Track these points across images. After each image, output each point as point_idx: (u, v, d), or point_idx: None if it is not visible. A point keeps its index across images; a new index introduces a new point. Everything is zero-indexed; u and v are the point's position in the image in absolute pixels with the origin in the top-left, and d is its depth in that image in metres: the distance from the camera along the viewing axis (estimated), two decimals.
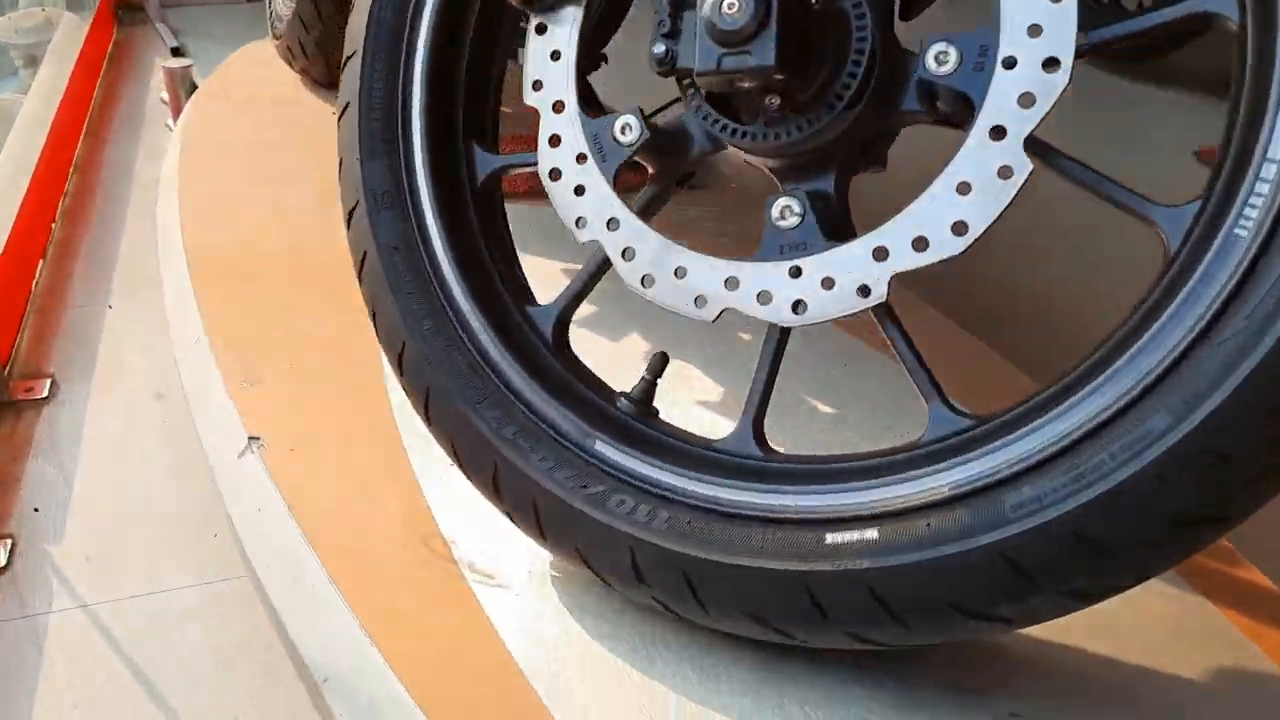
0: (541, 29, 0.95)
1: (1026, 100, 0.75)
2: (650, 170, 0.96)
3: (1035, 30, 0.75)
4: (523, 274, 1.03)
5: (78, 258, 2.28)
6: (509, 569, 0.99)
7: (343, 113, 1.05)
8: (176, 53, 3.54)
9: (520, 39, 1.01)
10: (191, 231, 1.72)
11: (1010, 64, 0.75)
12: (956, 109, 0.80)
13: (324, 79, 2.40)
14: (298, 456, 1.16)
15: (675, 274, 0.86)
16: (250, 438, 1.18)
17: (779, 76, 0.80)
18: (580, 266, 0.96)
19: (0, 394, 1.75)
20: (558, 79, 0.94)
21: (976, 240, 0.77)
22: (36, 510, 1.51)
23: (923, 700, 0.85)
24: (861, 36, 0.82)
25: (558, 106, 0.94)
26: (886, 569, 0.79)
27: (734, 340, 1.38)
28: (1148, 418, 0.70)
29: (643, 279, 0.88)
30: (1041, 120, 0.75)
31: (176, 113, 2.55)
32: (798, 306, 0.82)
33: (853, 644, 0.83)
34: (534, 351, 0.96)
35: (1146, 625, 0.93)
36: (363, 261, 0.99)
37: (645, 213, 0.92)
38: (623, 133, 0.91)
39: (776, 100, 0.83)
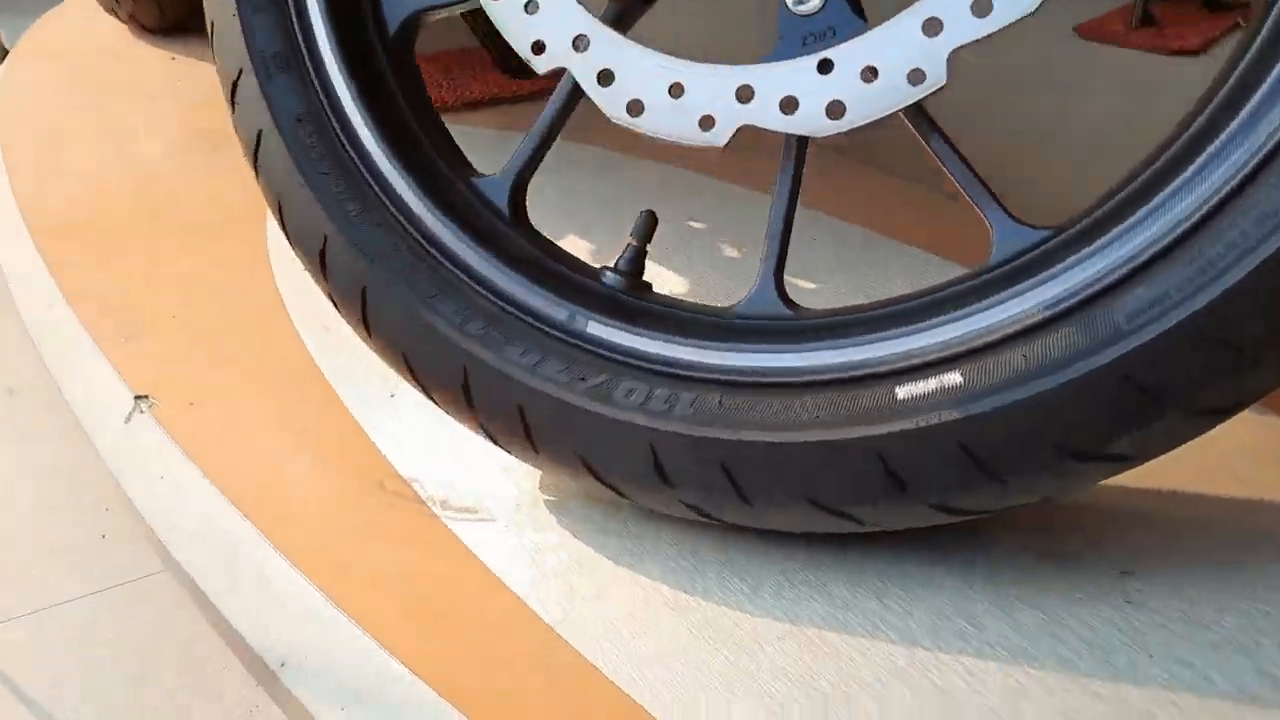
0: None
1: None
2: None
3: None
4: (454, 141, 0.84)
5: None
6: (491, 500, 0.81)
7: None
8: None
9: None
10: (23, 193, 1.47)
11: None
12: None
13: (155, 24, 2.14)
14: (199, 412, 0.95)
15: (671, 92, 0.69)
16: (137, 397, 0.97)
17: None
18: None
19: None
20: None
21: None
22: None
23: (1026, 570, 0.71)
24: None
25: None
26: (977, 417, 0.64)
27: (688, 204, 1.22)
28: None
29: (629, 106, 0.70)
30: None
31: None
32: (834, 110, 0.66)
33: (931, 519, 0.68)
34: (490, 228, 0.78)
35: (1261, 465, 0.81)
36: (257, 143, 0.79)
37: (620, 27, 0.74)
38: None
39: None
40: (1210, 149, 0.61)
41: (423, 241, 0.76)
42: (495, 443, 0.77)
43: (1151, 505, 0.78)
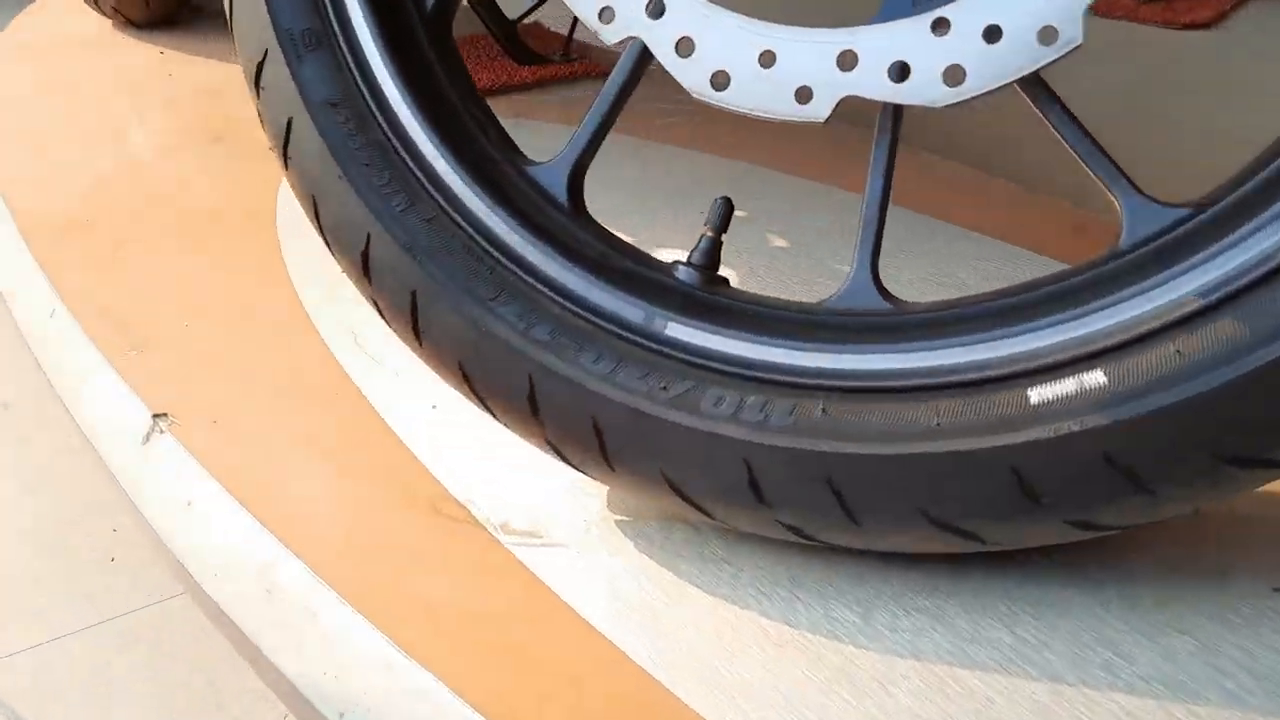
0: None
1: None
2: None
3: None
4: (502, 126, 0.76)
5: None
6: (556, 522, 0.74)
7: None
8: None
9: None
10: (16, 195, 1.38)
11: None
12: None
13: (142, 18, 2.05)
14: (224, 430, 0.87)
15: (761, 61, 0.61)
16: (155, 415, 0.88)
17: None
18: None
19: None
20: None
21: None
22: None
23: (1168, 591, 0.64)
24: None
25: None
26: (1126, 422, 0.57)
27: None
28: None
29: (712, 78, 0.62)
30: None
31: None
32: (952, 75, 0.58)
33: (1066, 536, 0.61)
34: (550, 221, 0.70)
35: None
36: (287, 131, 0.71)
37: None
38: None
39: None
40: None
41: (479, 238, 0.68)
42: (564, 460, 0.69)
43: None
